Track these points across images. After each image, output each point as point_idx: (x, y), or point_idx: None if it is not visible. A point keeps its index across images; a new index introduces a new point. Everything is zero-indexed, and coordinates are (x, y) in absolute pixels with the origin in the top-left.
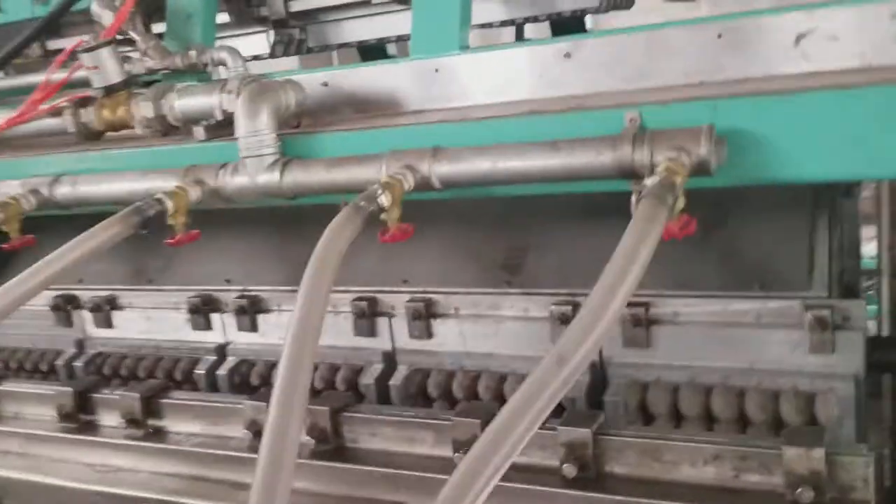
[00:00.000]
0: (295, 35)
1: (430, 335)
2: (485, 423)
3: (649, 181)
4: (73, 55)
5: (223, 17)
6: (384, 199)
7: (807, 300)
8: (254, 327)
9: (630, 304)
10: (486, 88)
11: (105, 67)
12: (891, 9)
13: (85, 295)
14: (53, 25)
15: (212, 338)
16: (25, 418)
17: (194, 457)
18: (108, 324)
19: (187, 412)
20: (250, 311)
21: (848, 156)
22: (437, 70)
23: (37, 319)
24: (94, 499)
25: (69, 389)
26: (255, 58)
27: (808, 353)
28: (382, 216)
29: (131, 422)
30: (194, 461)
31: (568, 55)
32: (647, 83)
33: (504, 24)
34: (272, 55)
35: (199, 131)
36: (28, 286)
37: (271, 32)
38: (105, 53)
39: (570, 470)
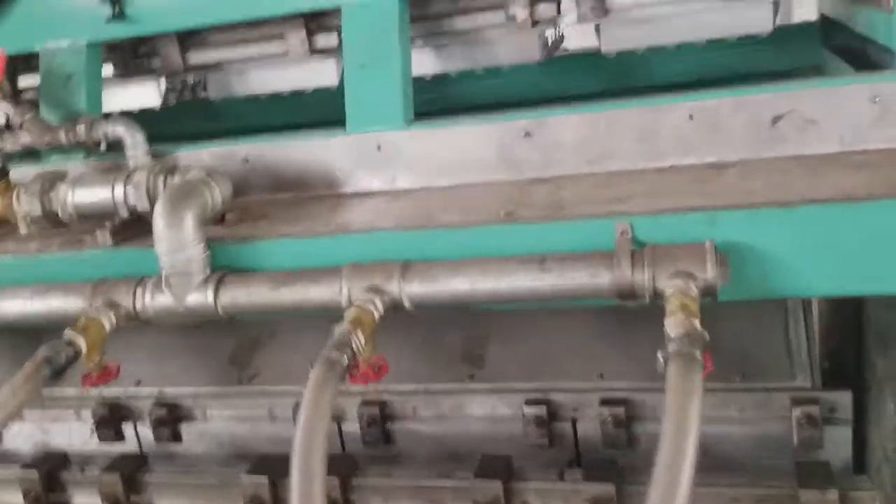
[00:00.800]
0: (189, 81)
1: (388, 441)
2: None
3: (670, 330)
4: None
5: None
6: (359, 340)
7: (790, 391)
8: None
9: (607, 403)
10: (436, 168)
11: None
12: (870, 92)
13: None
14: None
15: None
16: None
17: None
18: None
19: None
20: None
21: (854, 271)
22: (378, 147)
23: None
24: None
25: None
26: (143, 111)
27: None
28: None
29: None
30: None
31: (528, 134)
32: (612, 166)
33: (436, 77)
34: (165, 104)
35: (103, 236)
36: None
37: (163, 80)
38: None
39: None
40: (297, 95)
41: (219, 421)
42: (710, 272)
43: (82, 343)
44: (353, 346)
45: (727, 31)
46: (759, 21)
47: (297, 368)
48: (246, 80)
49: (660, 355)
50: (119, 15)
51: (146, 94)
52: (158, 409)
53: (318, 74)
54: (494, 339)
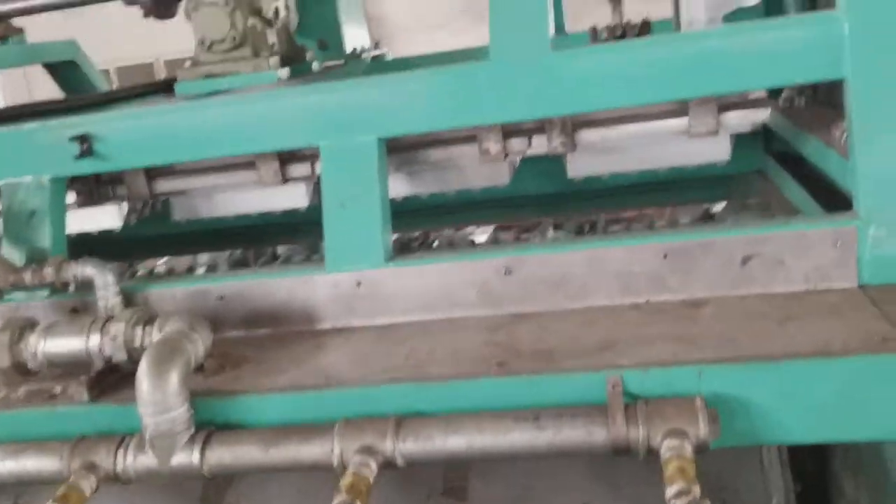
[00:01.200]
0: (150, 201)
1: None
2: None
3: (672, 497)
4: None
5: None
6: None
7: None
8: None
9: None
10: (417, 304)
11: None
12: (833, 235)
13: None
14: None
15: None
16: None
17: None
18: None
19: None
20: None
21: (831, 420)
22: (359, 283)
23: None
24: None
25: None
26: (105, 232)
27: None
28: None
29: None
30: None
31: (509, 271)
32: (591, 301)
33: (407, 199)
34: (126, 224)
35: (79, 392)
36: None
37: (124, 204)
38: None
39: None
40: (264, 215)
41: None
42: (702, 430)
43: None
44: None
45: (688, 161)
46: (719, 152)
47: None
48: (212, 204)
49: None
50: (87, 152)
51: (107, 217)
52: None
53: (289, 198)
54: (476, 472)
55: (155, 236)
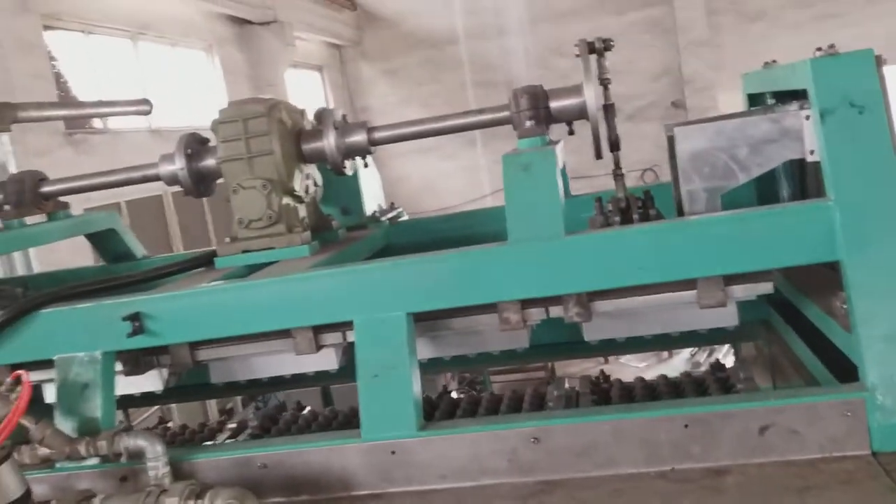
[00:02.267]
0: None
1: None
2: None
3: None
4: None
5: None
6: None
7: None
8: None
9: None
10: (449, 471)
11: (3, 485)
12: (843, 406)
13: None
14: None
15: None
16: None
17: None
18: None
19: None
20: None
21: None
22: (393, 452)
23: None
24: None
25: None
26: (146, 395)
27: None
28: None
29: None
30: None
31: (536, 440)
32: (617, 470)
33: (431, 360)
34: (166, 387)
35: None
36: None
37: (164, 370)
38: (3, 470)
39: None
40: (297, 377)
41: None
42: None
43: None
44: None
45: (699, 326)
46: (727, 318)
47: None
48: (249, 367)
49: None
50: (138, 331)
51: (150, 382)
52: None
53: (321, 361)
54: None
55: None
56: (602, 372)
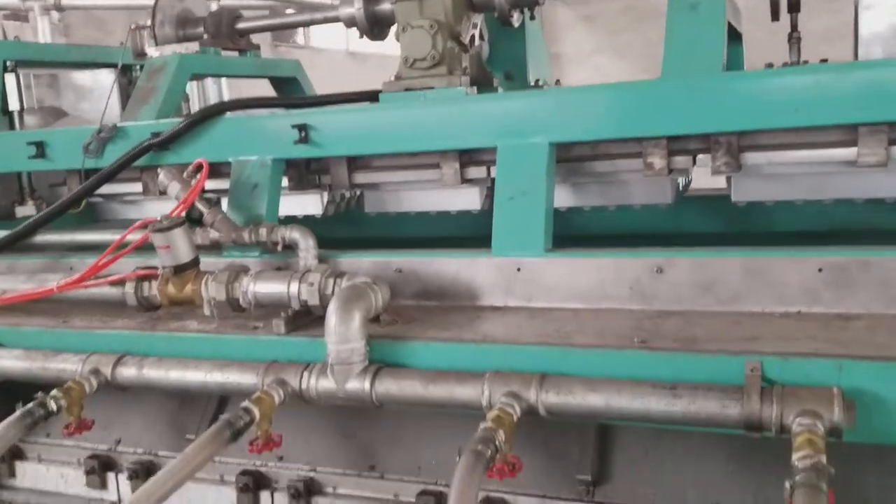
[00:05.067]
0: (347, 195)
1: None
2: None
3: (797, 461)
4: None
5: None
6: (500, 438)
7: None
8: None
9: None
10: (570, 293)
11: (176, 247)
12: None
13: (124, 458)
14: (106, 181)
15: None
16: None
17: None
18: None
19: None
20: (305, 495)
21: None
22: (518, 269)
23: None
24: None
25: None
26: (307, 216)
27: None
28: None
29: None
30: None
31: (660, 270)
32: (741, 307)
33: (571, 210)
34: (325, 214)
35: (278, 325)
36: None
37: (325, 194)
38: (178, 234)
39: None
40: (441, 214)
41: (347, 501)
42: (836, 415)
43: (257, 413)
44: (497, 442)
45: (855, 194)
46: (889, 187)
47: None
48: (398, 200)
49: (787, 484)
50: (304, 140)
51: (311, 204)
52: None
53: (465, 199)
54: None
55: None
56: None
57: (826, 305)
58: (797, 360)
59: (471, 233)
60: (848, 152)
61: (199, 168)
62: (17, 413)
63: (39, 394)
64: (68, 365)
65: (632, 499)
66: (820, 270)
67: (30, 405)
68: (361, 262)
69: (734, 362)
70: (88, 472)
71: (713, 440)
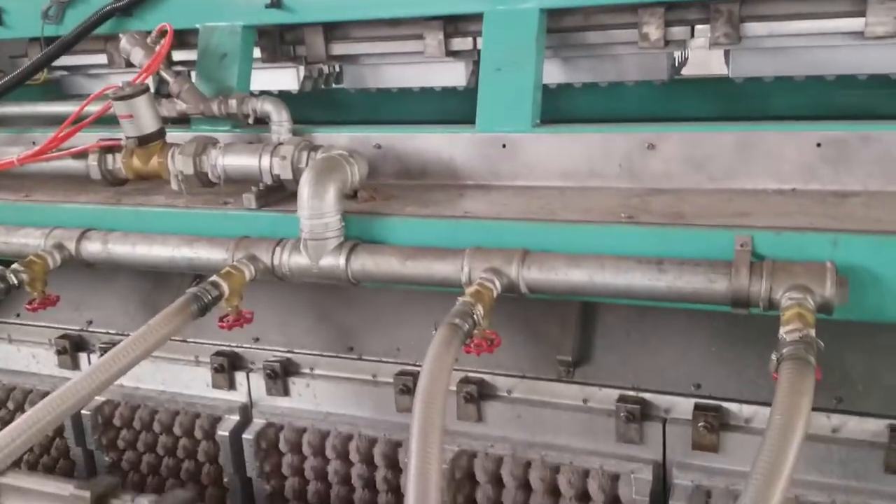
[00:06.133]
0: (325, 70)
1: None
2: None
3: (785, 334)
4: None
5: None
6: (479, 313)
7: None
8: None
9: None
10: (557, 171)
11: (140, 116)
12: None
13: (96, 338)
14: (66, 50)
15: (235, 397)
16: None
17: None
18: None
19: None
20: (282, 375)
21: None
22: (504, 145)
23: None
24: None
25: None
26: (282, 92)
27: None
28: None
29: None
30: None
31: (652, 146)
32: (734, 184)
33: (561, 87)
34: (301, 90)
35: (249, 199)
36: (92, 386)
37: (301, 69)
38: (141, 102)
39: None
40: (425, 91)
41: (325, 381)
42: (828, 290)
43: (225, 288)
44: (474, 316)
45: (860, 70)
46: (893, 61)
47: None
48: (379, 75)
49: (773, 356)
50: (276, 4)
51: (286, 79)
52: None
53: (449, 74)
54: (597, 339)
55: (324, 117)
56: None
57: (822, 182)
58: (790, 234)
59: (455, 115)
60: (855, 22)
61: (163, 33)
62: None
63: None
64: (30, 240)
65: (612, 379)
66: (818, 145)
67: None
68: (338, 137)
69: (724, 237)
70: (60, 352)
71: (695, 322)
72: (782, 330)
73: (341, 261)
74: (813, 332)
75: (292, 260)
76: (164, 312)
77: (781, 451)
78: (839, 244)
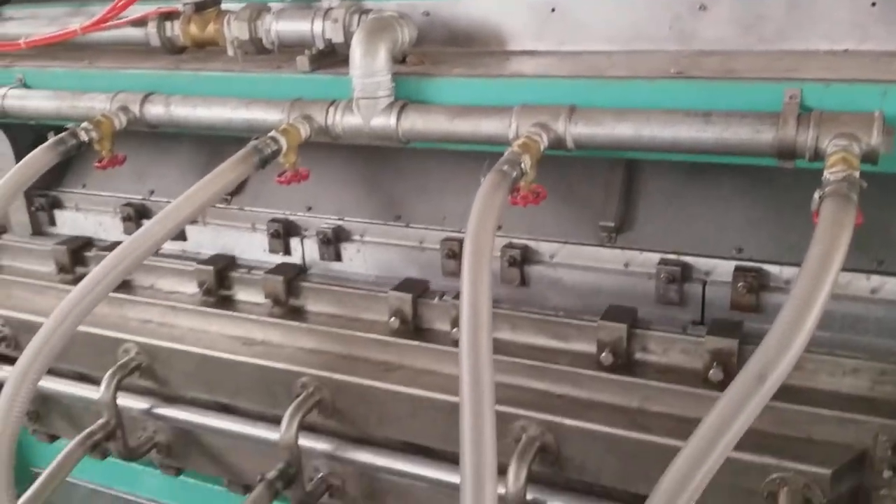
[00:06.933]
0: None
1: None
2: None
3: (829, 175)
4: None
5: None
6: (526, 162)
7: None
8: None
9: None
10: (605, 35)
11: None
12: None
13: (158, 206)
14: None
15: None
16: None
17: (342, 338)
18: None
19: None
20: (334, 241)
21: None
22: (553, 10)
23: None
24: (243, 369)
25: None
26: None
27: None
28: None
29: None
30: (342, 342)
31: (703, 7)
32: (787, 45)
33: None
34: None
35: (302, 62)
36: (160, 234)
37: None
38: None
39: None
40: None
41: (374, 247)
42: (874, 138)
43: (284, 143)
44: (522, 165)
45: None
46: None
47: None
48: None
49: (816, 194)
50: None
51: None
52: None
53: None
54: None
55: None
56: None
57: (876, 42)
58: (839, 85)
59: None
60: None
61: None
62: (51, 141)
63: (71, 125)
64: (96, 103)
65: (653, 245)
66: (873, 5)
67: (62, 134)
68: (387, 5)
69: (773, 90)
70: (125, 219)
71: (738, 189)
72: (826, 172)
73: (392, 120)
74: (857, 174)
75: (345, 120)
76: (229, 161)
77: (819, 279)
78: (888, 95)
